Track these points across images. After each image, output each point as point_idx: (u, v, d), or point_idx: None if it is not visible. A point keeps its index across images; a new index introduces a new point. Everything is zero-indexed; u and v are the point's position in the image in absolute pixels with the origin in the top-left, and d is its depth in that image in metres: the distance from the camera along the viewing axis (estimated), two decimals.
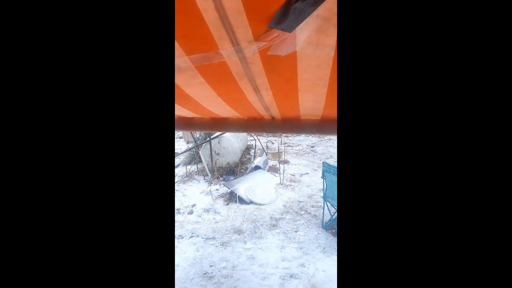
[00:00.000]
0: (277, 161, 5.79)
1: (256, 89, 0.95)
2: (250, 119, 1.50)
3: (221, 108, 1.28)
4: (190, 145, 6.06)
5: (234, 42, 0.64)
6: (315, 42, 0.64)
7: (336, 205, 3.21)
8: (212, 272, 2.60)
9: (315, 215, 3.77)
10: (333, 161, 6.34)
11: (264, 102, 1.10)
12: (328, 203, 3.39)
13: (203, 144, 5.40)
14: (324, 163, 3.30)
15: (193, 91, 1.01)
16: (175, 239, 3.23)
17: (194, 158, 5.66)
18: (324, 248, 3.00)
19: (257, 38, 0.62)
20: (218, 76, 0.85)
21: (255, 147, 6.41)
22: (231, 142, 5.39)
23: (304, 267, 2.67)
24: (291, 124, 1.45)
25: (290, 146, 7.93)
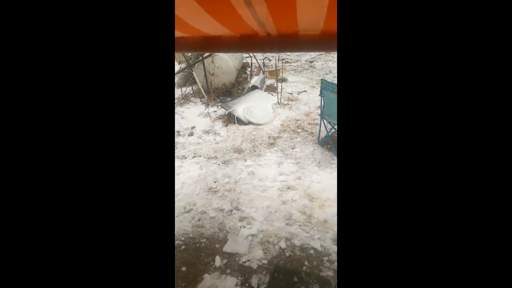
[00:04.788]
0: (274, 80, 5.62)
1: (248, 3, 0.83)
2: (244, 36, 1.37)
3: (211, 26, 1.15)
4: (183, 65, 5.77)
5: None
6: None
7: (332, 121, 3.27)
8: (216, 187, 2.85)
9: (312, 132, 3.89)
10: (332, 77, 6.15)
11: (257, 16, 0.98)
12: (324, 120, 3.45)
13: (196, 64, 5.13)
14: (322, 81, 3.21)
15: (177, 9, 0.88)
16: (179, 159, 3.41)
17: (188, 79, 5.47)
18: (319, 162, 3.20)
19: None
20: None
21: (251, 65, 6.11)
22: (226, 61, 5.11)
23: (300, 179, 2.91)
24: (289, 41, 1.33)
25: (288, 62, 7.57)
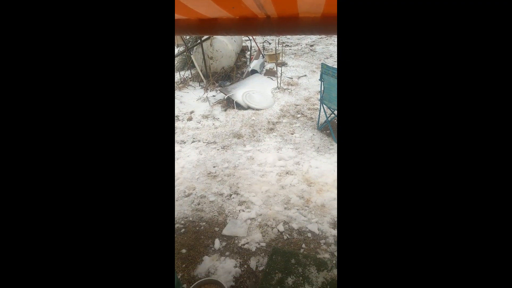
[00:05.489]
0: (274, 64, 5.53)
1: None
2: (242, 19, 1.33)
3: (208, 8, 1.12)
4: (181, 49, 5.66)
5: None
6: None
7: (332, 107, 3.25)
8: (215, 172, 2.87)
9: (311, 118, 3.88)
10: (333, 61, 6.06)
11: None
12: (324, 106, 3.43)
13: (194, 48, 5.03)
14: (322, 65, 3.16)
15: None
16: (178, 144, 3.41)
17: (187, 63, 5.38)
18: (318, 148, 3.21)
19: None
20: None
21: (251, 48, 6.00)
22: (224, 44, 5.01)
23: (299, 164, 2.93)
24: (289, 23, 1.30)
25: (288, 46, 7.43)
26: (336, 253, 1.95)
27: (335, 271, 1.80)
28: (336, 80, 2.98)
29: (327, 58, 6.35)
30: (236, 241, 2.08)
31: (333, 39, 7.66)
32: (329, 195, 2.48)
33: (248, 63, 5.66)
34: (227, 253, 1.98)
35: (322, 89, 3.30)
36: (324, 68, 3.13)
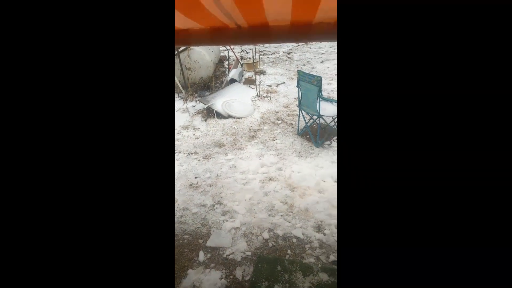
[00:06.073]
0: (253, 72, 5.59)
1: None
2: (214, 29, 1.35)
3: (178, 18, 1.12)
4: None
5: None
6: None
7: (310, 112, 3.32)
8: (197, 183, 2.82)
9: (291, 124, 3.93)
10: (310, 68, 6.21)
11: (223, 8, 0.97)
12: (303, 111, 3.49)
13: None
14: (299, 72, 3.23)
15: None
16: None
17: None
18: (299, 152, 3.25)
19: None
20: None
21: (229, 58, 6.04)
22: (202, 55, 5.02)
23: (281, 170, 2.94)
24: (260, 32, 1.33)
25: (266, 54, 7.55)
26: (321, 257, 1.96)
27: (321, 275, 1.81)
28: (312, 86, 3.04)
29: (304, 65, 6.50)
30: (221, 252, 2.04)
31: (309, 46, 7.87)
32: (312, 198, 2.50)
33: (226, 72, 5.69)
34: (212, 265, 1.94)
35: (300, 95, 3.37)
36: (301, 75, 3.19)
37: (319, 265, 1.88)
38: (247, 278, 1.84)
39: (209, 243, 2.12)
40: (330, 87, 5.04)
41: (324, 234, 2.14)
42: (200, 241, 2.15)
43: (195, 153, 3.38)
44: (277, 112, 4.33)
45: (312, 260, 1.95)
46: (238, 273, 1.88)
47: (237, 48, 7.22)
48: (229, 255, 2.01)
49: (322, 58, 6.83)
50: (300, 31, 1.27)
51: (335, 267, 1.87)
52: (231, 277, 1.86)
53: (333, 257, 1.95)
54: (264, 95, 4.90)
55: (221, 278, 1.85)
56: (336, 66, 6.15)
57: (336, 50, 7.22)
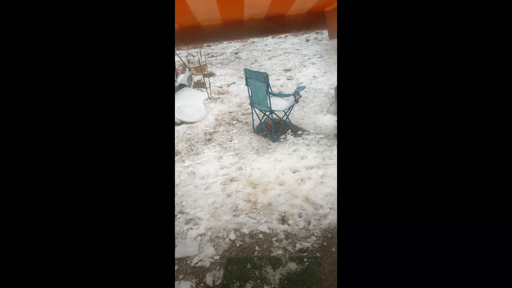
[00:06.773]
0: (201, 75, 5.50)
1: None
2: (184, 29, 1.27)
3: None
4: None
5: None
6: None
7: (263, 109, 3.37)
8: None
9: (247, 122, 3.95)
10: (258, 65, 6.31)
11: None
12: (255, 109, 3.53)
13: None
14: (245, 70, 3.26)
15: None
16: None
17: None
18: (257, 150, 3.29)
19: None
20: None
21: (175, 63, 5.87)
22: None
23: (242, 169, 2.95)
24: (235, 28, 1.31)
25: (213, 56, 7.48)
26: (288, 247, 2.01)
27: (289, 265, 1.85)
28: (260, 82, 3.09)
29: (253, 63, 6.59)
30: (188, 262, 1.98)
31: (256, 45, 7.99)
32: (274, 192, 2.55)
33: (175, 78, 5.52)
34: (181, 276, 1.88)
35: (250, 93, 3.40)
36: (247, 73, 3.23)
37: (287, 256, 1.92)
38: (218, 283, 1.81)
39: (176, 254, 2.04)
40: (280, 82, 5.17)
41: (289, 225, 2.20)
42: None
43: None
44: (231, 112, 4.32)
45: (280, 252, 1.99)
46: (209, 279, 1.84)
47: (182, 52, 7.04)
48: (197, 263, 1.96)
49: (269, 55, 6.98)
50: (274, 26, 1.27)
51: (302, 254, 1.93)
52: (202, 284, 1.82)
53: (299, 245, 2.01)
54: (216, 97, 4.86)
55: None
56: (282, 62, 6.34)
57: (281, 47, 7.44)
